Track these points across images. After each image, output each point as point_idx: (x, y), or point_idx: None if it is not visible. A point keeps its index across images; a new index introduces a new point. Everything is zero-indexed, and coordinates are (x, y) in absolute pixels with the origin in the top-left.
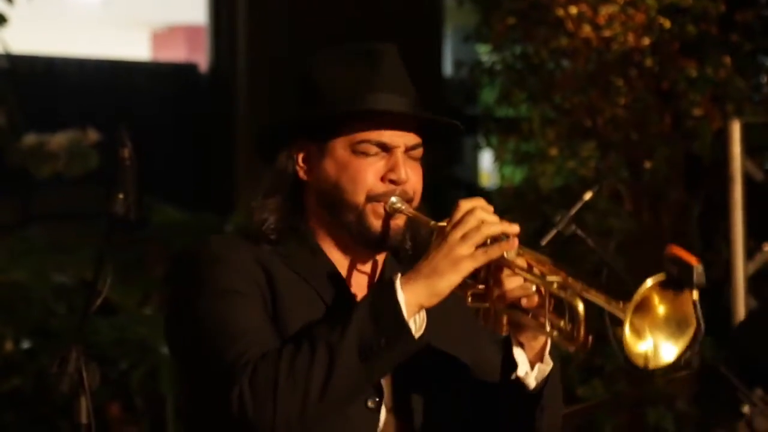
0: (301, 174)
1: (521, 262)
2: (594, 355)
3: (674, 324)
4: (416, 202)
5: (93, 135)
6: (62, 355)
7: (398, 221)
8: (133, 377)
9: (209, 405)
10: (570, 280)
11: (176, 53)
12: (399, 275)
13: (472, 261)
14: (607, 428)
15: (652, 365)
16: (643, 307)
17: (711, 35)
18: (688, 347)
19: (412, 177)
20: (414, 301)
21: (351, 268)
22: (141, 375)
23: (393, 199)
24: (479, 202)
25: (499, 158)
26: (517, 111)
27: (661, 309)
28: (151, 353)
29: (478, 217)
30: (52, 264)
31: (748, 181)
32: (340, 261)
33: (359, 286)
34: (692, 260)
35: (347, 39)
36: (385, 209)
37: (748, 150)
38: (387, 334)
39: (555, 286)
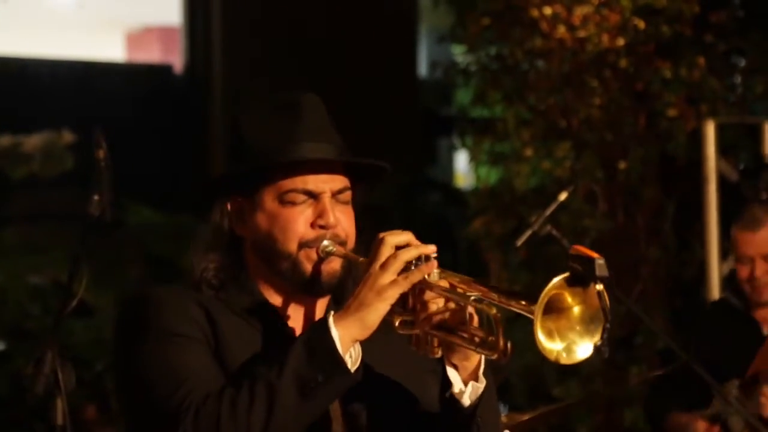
0: (236, 229)
1: (443, 283)
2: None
3: (587, 320)
4: (351, 244)
5: (68, 136)
6: (38, 357)
7: (333, 264)
8: (108, 378)
9: None
10: (489, 293)
11: (151, 54)
12: (332, 313)
13: (396, 288)
14: (582, 428)
15: (567, 361)
16: (559, 308)
17: (685, 36)
18: (601, 339)
19: (343, 220)
20: (347, 336)
21: (292, 313)
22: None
23: (324, 242)
24: (396, 233)
25: (474, 159)
26: (492, 111)
27: (576, 308)
28: None
29: (392, 243)
30: (26, 265)
31: (722, 181)
32: (281, 308)
33: (300, 330)
34: (593, 254)
35: (322, 41)
36: (317, 254)
37: (723, 150)
38: (324, 370)
39: (471, 299)
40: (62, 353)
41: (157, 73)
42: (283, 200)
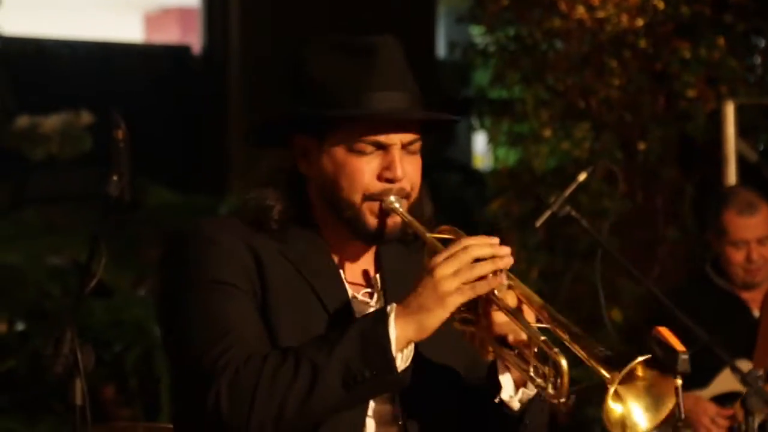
0: (302, 168)
1: (511, 299)
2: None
3: (653, 398)
4: (414, 194)
5: (86, 117)
6: (57, 337)
7: (395, 219)
8: (127, 359)
9: (189, 397)
10: (558, 328)
11: (169, 35)
12: (394, 308)
13: (460, 296)
14: (600, 411)
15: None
16: (630, 376)
17: (705, 16)
18: (662, 425)
19: (410, 171)
20: (403, 336)
21: (348, 257)
22: (135, 357)
23: (390, 198)
24: (481, 244)
25: (492, 140)
26: (510, 92)
27: (645, 384)
28: (146, 335)
29: (473, 255)
30: (46, 246)
31: (741, 161)
32: (338, 250)
33: (354, 276)
34: (678, 346)
35: (340, 21)
36: (381, 207)
37: (742, 131)
38: (373, 367)
39: (541, 340)
40: (81, 334)
41: (175, 53)
42: (352, 149)
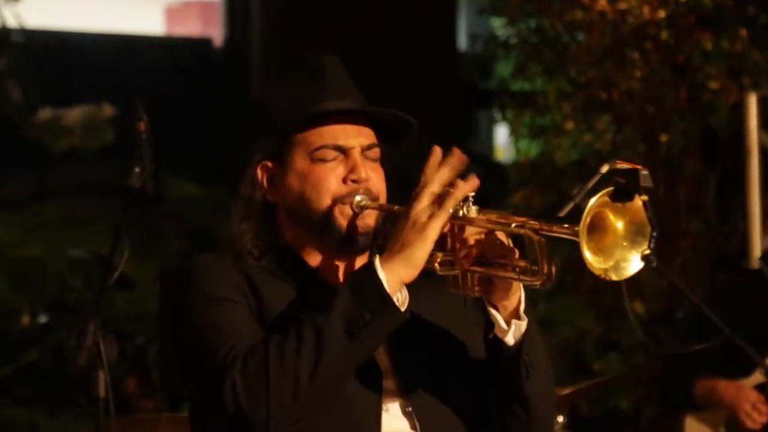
0: (269, 196)
1: (482, 216)
2: (611, 329)
3: (632, 234)
4: (382, 199)
5: (108, 109)
6: (80, 329)
7: (367, 219)
8: (150, 351)
9: (207, 404)
10: (529, 221)
11: (190, 28)
12: (377, 256)
13: (436, 220)
14: (623, 402)
15: (618, 278)
16: (602, 227)
17: (727, 7)
18: (649, 249)
19: (373, 176)
20: (394, 277)
21: (332, 273)
22: (158, 349)
23: (358, 197)
24: (430, 168)
25: (514, 132)
26: (532, 85)
27: (620, 224)
28: None
29: (436, 182)
30: (68, 238)
31: (764, 153)
32: (321, 268)
33: None
34: (636, 166)
35: (360, 13)
36: (352, 209)
37: (765, 122)
38: (371, 309)
39: (513, 226)
40: (104, 326)
41: (197, 46)
42: (314, 158)
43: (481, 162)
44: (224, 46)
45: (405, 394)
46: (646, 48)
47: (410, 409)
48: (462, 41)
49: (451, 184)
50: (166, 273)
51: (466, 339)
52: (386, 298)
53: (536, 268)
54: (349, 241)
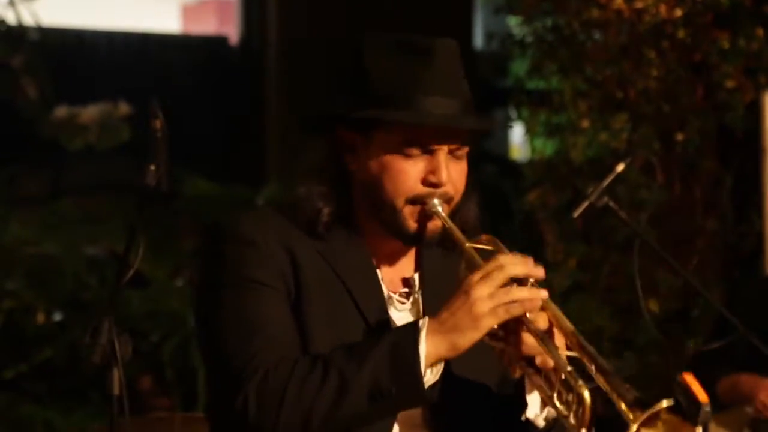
0: (348, 164)
1: (542, 321)
2: (626, 328)
3: None
4: (458, 198)
5: (124, 107)
6: (94, 327)
7: (436, 223)
8: (164, 349)
9: (218, 398)
10: (586, 360)
11: (207, 26)
12: (426, 323)
13: (494, 318)
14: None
15: None
16: (650, 417)
17: (744, 6)
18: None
19: (455, 177)
20: (434, 353)
21: (387, 257)
22: (172, 347)
23: (434, 201)
24: (516, 263)
25: (530, 131)
26: (548, 83)
27: (663, 425)
28: (183, 325)
29: (508, 274)
30: (83, 236)
31: None
32: (377, 250)
33: (392, 277)
34: (701, 396)
35: (377, 11)
36: (423, 210)
37: None
38: (399, 384)
39: (567, 370)
40: (118, 324)
41: (213, 44)
42: (398, 150)
43: (496, 160)
44: (240, 45)
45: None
46: (662, 46)
47: (428, 419)
48: (478, 40)
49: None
50: (208, 231)
51: (495, 383)
52: (417, 381)
53: (577, 408)
54: (413, 240)
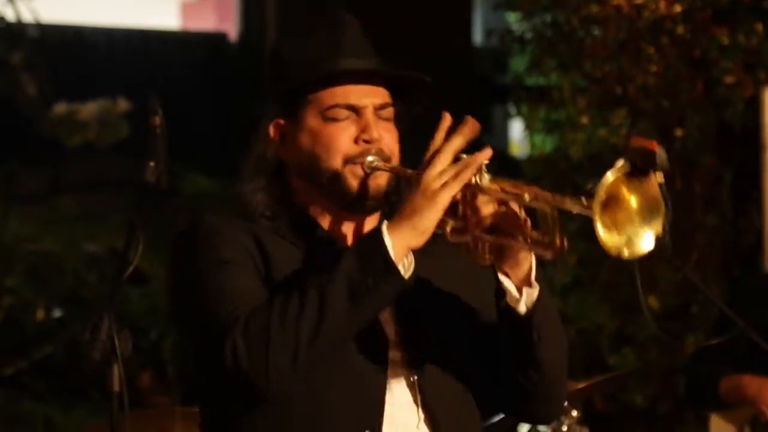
0: (280, 153)
1: (495, 186)
2: (626, 324)
3: (646, 211)
4: (395, 160)
5: (123, 104)
6: (94, 323)
7: (378, 180)
8: (164, 346)
9: (207, 365)
10: (542, 192)
11: (206, 23)
12: (385, 222)
13: (448, 190)
14: (638, 397)
15: (630, 255)
16: (616, 202)
17: (743, 2)
18: (662, 230)
19: (386, 136)
20: (400, 242)
21: (343, 234)
22: (172, 344)
23: (369, 158)
24: (441, 134)
25: (529, 127)
26: (547, 79)
27: (632, 200)
28: None
29: (449, 151)
30: (82, 233)
31: None
32: (331, 228)
33: None
34: (653, 145)
35: (375, 8)
36: (363, 169)
37: None
38: (375, 275)
39: (527, 198)
40: (118, 320)
41: (212, 41)
42: (326, 116)
43: (496, 156)
44: (239, 41)
45: (411, 366)
46: (661, 42)
47: (414, 379)
48: (477, 36)
49: (463, 152)
50: (177, 231)
51: (476, 304)
52: (390, 264)
53: (548, 239)
54: (358, 202)
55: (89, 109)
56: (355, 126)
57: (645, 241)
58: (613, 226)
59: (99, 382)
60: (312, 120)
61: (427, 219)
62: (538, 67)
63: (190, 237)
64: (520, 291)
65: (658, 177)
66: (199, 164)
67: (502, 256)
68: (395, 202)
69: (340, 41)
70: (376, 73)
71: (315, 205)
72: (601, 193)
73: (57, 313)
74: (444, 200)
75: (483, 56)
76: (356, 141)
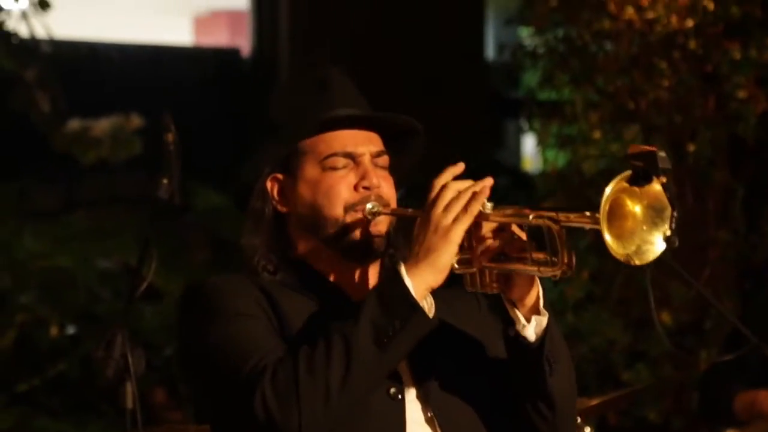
0: (279, 207)
1: (497, 212)
2: (639, 340)
3: (653, 216)
4: (393, 205)
5: (136, 120)
6: (108, 340)
7: (380, 227)
8: (177, 363)
9: (233, 417)
10: (547, 212)
11: (218, 38)
12: (401, 263)
13: (460, 224)
14: (651, 413)
15: (641, 261)
16: (621, 213)
17: (755, 17)
18: (671, 231)
19: (384, 184)
20: (420, 283)
21: (349, 283)
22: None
23: (369, 204)
24: (447, 174)
25: (542, 142)
26: (559, 94)
27: (638, 207)
28: None
29: (454, 188)
30: (96, 249)
31: None
32: (337, 279)
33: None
34: (652, 148)
35: (388, 24)
36: (364, 216)
37: None
38: (400, 317)
39: (531, 217)
40: (131, 337)
41: (225, 56)
42: (324, 166)
43: (508, 172)
44: (252, 57)
45: (427, 402)
46: (674, 57)
47: (430, 415)
48: (490, 51)
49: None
50: (185, 290)
51: (484, 341)
52: (415, 305)
53: (555, 258)
54: (363, 249)
55: (102, 125)
56: (354, 174)
57: (655, 245)
58: (622, 235)
59: (113, 399)
60: (310, 170)
61: (444, 256)
62: (551, 82)
63: (200, 295)
64: (528, 319)
65: (662, 179)
66: (212, 180)
67: (509, 285)
68: (395, 249)
69: (330, 92)
70: (370, 119)
71: (318, 256)
72: (605, 205)
73: (71, 330)
74: (457, 235)
75: (495, 71)
76: (356, 188)
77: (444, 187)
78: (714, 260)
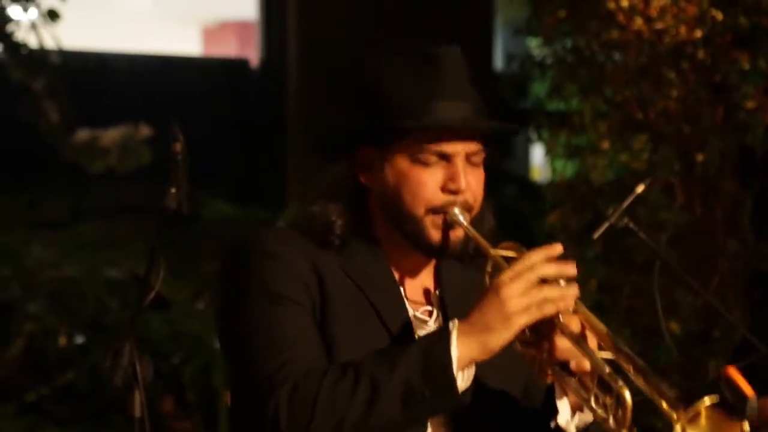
0: (364, 180)
1: (575, 324)
2: (647, 349)
3: None
4: (477, 207)
5: (145, 130)
6: (116, 349)
7: (458, 232)
8: (185, 372)
9: (247, 405)
10: (622, 361)
11: (227, 49)
12: (456, 325)
13: (526, 317)
14: (659, 422)
15: None
16: (696, 419)
17: (763, 27)
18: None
19: (473, 183)
20: (466, 355)
21: (408, 272)
22: (194, 370)
23: (454, 210)
24: (541, 256)
25: (550, 152)
26: (568, 104)
27: (706, 422)
28: (204, 348)
29: (539, 274)
30: (104, 259)
31: None
32: (398, 265)
33: (414, 293)
34: (748, 391)
35: (397, 34)
36: (444, 220)
37: None
38: (432, 387)
39: (606, 371)
40: (140, 346)
41: (233, 67)
42: (416, 159)
43: (517, 181)
44: (261, 67)
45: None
46: (682, 67)
47: None
48: (498, 61)
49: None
50: (230, 249)
51: (516, 386)
52: (451, 383)
53: (616, 411)
54: (436, 252)
55: (111, 135)
56: (443, 172)
57: None
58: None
59: (121, 408)
60: (400, 159)
61: (498, 340)
62: (559, 93)
63: (246, 259)
64: (573, 412)
65: (744, 425)
66: (220, 190)
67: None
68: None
69: (440, 79)
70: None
71: (389, 238)
72: (690, 413)
73: (79, 339)
74: (520, 326)
75: (503, 81)
76: (443, 189)
77: (532, 266)
78: (722, 270)
